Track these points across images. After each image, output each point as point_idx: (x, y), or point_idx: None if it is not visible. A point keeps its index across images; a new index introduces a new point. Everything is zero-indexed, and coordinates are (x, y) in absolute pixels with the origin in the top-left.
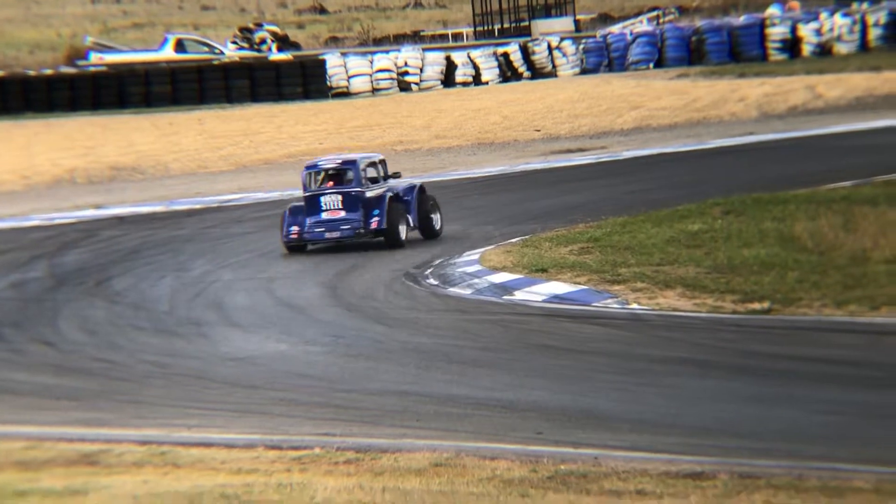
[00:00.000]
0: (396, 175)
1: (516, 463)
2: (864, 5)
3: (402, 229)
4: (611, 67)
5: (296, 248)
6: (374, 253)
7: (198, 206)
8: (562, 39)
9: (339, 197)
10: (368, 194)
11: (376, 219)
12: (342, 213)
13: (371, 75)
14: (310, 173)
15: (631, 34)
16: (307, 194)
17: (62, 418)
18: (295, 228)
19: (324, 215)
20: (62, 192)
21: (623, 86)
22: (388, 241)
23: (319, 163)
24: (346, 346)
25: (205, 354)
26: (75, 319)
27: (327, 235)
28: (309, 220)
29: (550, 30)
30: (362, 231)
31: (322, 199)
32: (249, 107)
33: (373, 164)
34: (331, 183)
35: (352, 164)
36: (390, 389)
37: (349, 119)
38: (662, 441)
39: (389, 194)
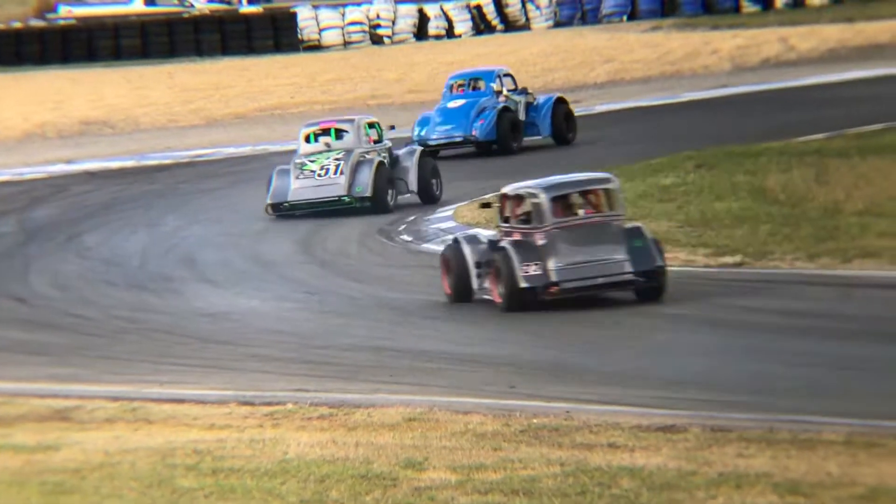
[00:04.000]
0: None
1: (489, 417)
2: None
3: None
4: (584, 20)
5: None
6: (349, 211)
7: (169, 161)
8: None
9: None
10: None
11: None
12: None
13: (343, 28)
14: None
15: None
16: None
17: (34, 374)
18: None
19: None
20: (32, 146)
21: (596, 39)
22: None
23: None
24: (319, 302)
25: (177, 310)
26: (46, 274)
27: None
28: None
29: None
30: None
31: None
32: (220, 60)
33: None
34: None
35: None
36: (364, 345)
37: (321, 72)
38: (634, 394)
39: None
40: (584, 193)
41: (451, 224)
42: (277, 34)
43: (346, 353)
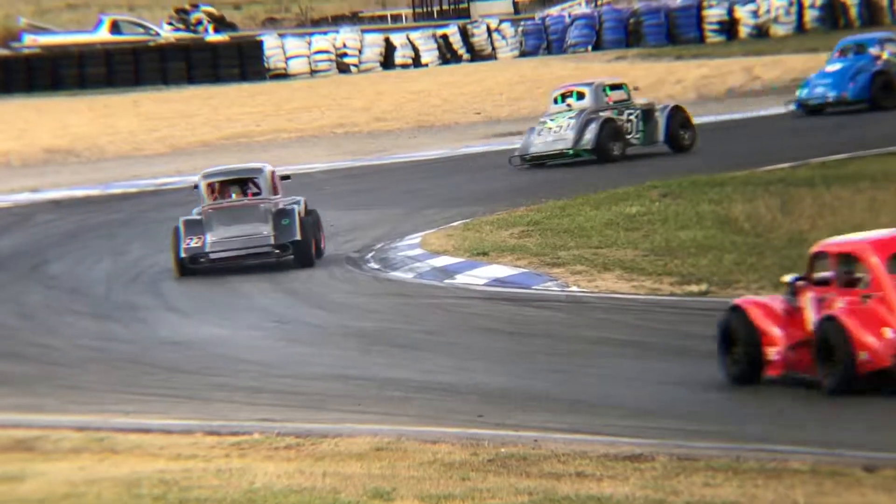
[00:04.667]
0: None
1: (457, 446)
2: None
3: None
4: (549, 50)
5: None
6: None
7: (134, 190)
8: (501, 21)
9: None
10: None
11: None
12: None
13: (309, 56)
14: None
15: (569, 16)
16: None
17: None
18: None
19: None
20: None
21: (562, 68)
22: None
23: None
24: (286, 331)
25: (142, 339)
26: (11, 304)
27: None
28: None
29: (489, 12)
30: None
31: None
32: (186, 88)
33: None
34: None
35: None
36: (331, 374)
37: (287, 101)
38: (602, 423)
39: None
40: (237, 181)
41: (418, 251)
42: (244, 63)
43: (313, 383)
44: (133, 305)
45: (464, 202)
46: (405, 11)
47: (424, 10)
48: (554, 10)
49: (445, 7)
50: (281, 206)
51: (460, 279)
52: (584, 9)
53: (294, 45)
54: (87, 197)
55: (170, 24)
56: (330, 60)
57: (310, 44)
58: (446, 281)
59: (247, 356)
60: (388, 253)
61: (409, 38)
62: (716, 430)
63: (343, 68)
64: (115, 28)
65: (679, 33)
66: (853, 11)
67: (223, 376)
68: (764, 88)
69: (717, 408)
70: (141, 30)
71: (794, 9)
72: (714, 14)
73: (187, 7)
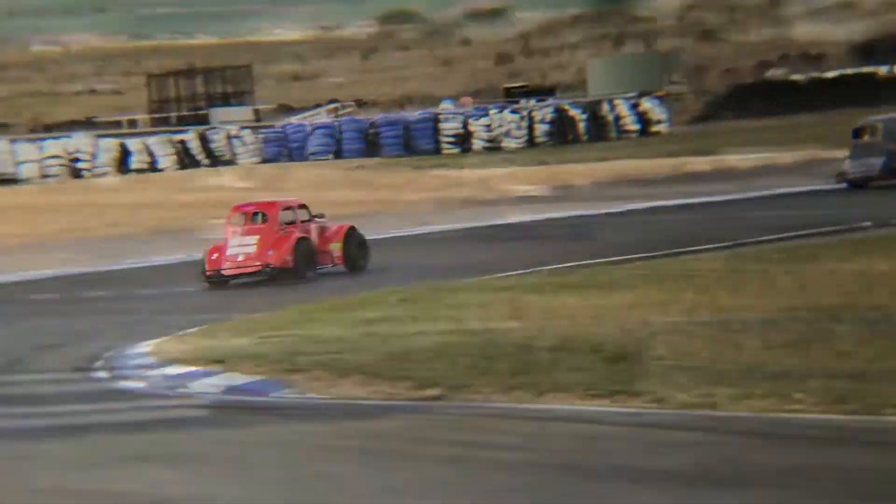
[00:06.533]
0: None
1: None
2: (532, 102)
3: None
4: (290, 157)
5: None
6: (46, 337)
7: None
8: (241, 128)
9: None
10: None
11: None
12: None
13: (40, 161)
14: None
15: (310, 125)
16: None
17: None
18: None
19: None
20: None
21: (305, 175)
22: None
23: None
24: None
25: None
26: None
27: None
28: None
29: (229, 118)
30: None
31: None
32: None
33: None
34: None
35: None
36: (48, 487)
37: (16, 206)
38: None
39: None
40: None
41: (150, 360)
42: None
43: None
44: None
45: (200, 309)
46: (142, 117)
47: (163, 116)
48: (295, 119)
49: (185, 113)
50: None
51: (195, 387)
52: (324, 118)
53: (25, 150)
54: None
55: None
56: (62, 165)
57: (41, 149)
58: (179, 390)
59: None
60: (118, 361)
61: (145, 144)
62: None
63: (75, 173)
64: None
65: (416, 144)
66: (581, 126)
67: None
68: None
69: None
70: None
71: (524, 123)
72: (449, 127)
73: None
